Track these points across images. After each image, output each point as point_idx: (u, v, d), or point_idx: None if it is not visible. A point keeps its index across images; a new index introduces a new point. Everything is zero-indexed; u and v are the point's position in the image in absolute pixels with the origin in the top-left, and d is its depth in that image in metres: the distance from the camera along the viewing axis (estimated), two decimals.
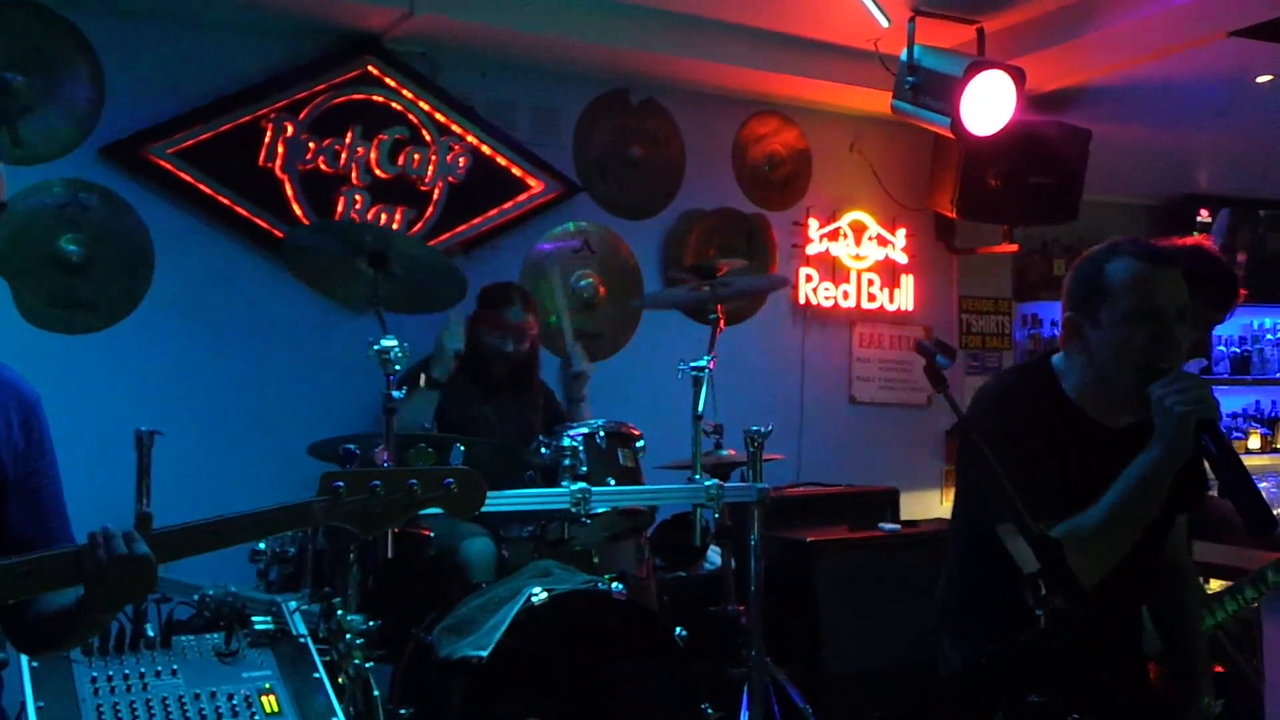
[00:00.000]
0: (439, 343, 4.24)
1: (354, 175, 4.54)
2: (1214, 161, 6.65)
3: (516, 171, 4.84)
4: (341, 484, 1.87)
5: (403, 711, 3.17)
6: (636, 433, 3.74)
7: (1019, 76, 4.56)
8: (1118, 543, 2.22)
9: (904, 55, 4.64)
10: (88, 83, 4.15)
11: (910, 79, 4.61)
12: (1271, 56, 4.71)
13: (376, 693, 2.96)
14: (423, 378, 4.14)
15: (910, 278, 5.75)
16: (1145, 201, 7.18)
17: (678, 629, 3.37)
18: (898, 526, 4.80)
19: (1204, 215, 7.07)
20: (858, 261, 5.63)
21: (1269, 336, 7.24)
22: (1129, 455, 2.22)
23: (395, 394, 3.25)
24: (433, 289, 3.72)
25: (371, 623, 3.09)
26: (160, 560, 1.74)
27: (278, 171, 4.42)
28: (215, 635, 2.81)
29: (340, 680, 2.88)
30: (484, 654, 3.07)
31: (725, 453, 4.05)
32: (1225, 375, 7.01)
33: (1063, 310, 2.44)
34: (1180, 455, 2.18)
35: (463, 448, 3.84)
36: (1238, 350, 7.16)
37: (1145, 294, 2.27)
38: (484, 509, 3.46)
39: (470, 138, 4.74)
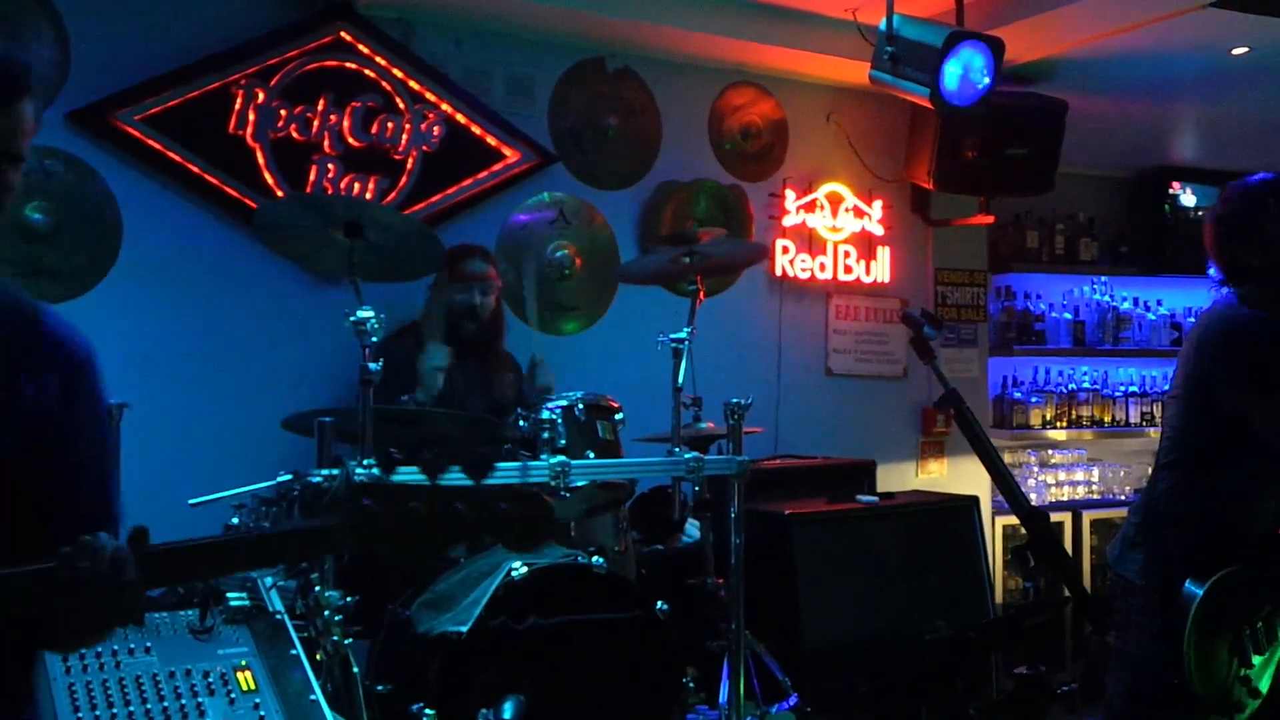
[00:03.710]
0: (431, 306, 4.28)
1: (326, 144, 4.46)
2: (1189, 134, 6.67)
3: (491, 141, 4.78)
4: (371, 502, 1.53)
5: (380, 688, 3.13)
6: (616, 405, 3.71)
7: (998, 47, 4.53)
8: None
9: (883, 25, 4.59)
10: (52, 46, 4.04)
11: (889, 49, 4.55)
12: (1249, 28, 4.70)
13: (356, 669, 2.92)
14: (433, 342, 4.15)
15: (886, 249, 5.73)
16: (1120, 174, 7.21)
17: (659, 603, 3.34)
18: (875, 498, 4.80)
19: (1175, 188, 7.10)
20: (834, 233, 5.60)
21: None
22: None
23: (372, 365, 3.19)
24: (410, 256, 3.67)
25: (349, 598, 3.05)
26: (145, 586, 1.51)
27: (248, 139, 4.33)
28: (189, 612, 2.76)
29: (319, 657, 2.84)
30: (464, 629, 3.04)
31: (704, 425, 4.03)
32: None
33: (1221, 256, 3.04)
34: None
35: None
36: None
37: None
38: (459, 482, 3.49)
39: (444, 106, 4.67)
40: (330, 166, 4.46)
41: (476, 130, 4.74)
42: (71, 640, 1.66)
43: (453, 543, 1.55)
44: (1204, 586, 2.88)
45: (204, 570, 1.56)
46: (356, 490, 1.53)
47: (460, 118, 4.71)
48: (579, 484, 3.44)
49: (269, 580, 2.88)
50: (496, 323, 4.42)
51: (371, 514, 1.51)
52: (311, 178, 4.43)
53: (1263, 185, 3.04)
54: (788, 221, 5.49)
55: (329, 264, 3.66)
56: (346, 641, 2.95)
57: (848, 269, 5.64)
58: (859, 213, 5.64)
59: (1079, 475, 6.71)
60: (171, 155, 4.21)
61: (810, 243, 5.56)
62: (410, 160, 4.61)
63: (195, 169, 4.25)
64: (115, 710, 2.51)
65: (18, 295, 1.69)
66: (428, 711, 2.99)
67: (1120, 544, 3.15)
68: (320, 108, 4.44)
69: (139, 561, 1.48)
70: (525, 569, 3.17)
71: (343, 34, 4.47)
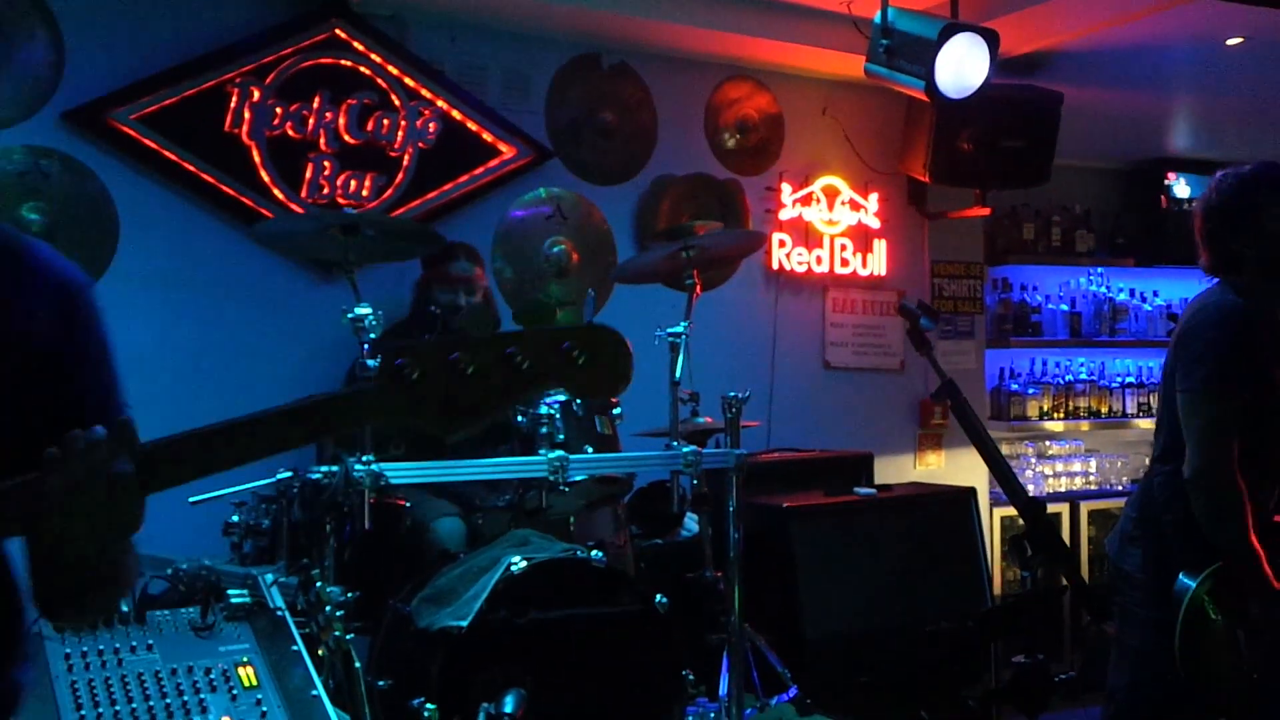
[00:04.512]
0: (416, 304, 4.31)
1: (322, 141, 4.47)
2: (1184, 125, 6.67)
3: (487, 137, 4.78)
4: (404, 360, 1.27)
5: (382, 683, 3.14)
6: (614, 400, 3.71)
7: (993, 39, 4.53)
8: None
9: (877, 18, 4.60)
10: (46, 46, 4.05)
11: (884, 42, 4.56)
12: (1243, 18, 4.71)
13: (358, 664, 2.93)
14: None
15: (883, 242, 5.74)
16: (1115, 165, 7.22)
17: (658, 596, 3.35)
18: (873, 491, 4.81)
19: (1171, 179, 7.11)
20: (830, 226, 5.61)
21: None
22: None
23: (369, 363, 3.20)
24: (407, 246, 3.70)
25: (350, 594, 3.06)
26: (147, 487, 1.31)
27: (244, 138, 4.34)
28: (190, 609, 2.77)
29: (320, 652, 2.85)
30: (464, 624, 3.05)
31: (702, 419, 4.04)
32: None
33: (1213, 246, 2.99)
34: None
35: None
36: None
37: None
38: (459, 478, 3.51)
39: (440, 102, 4.67)
40: (326, 164, 4.47)
41: (472, 126, 4.75)
42: (66, 574, 1.42)
43: (513, 398, 1.30)
44: (1196, 579, 2.89)
45: (213, 460, 1.31)
46: (391, 353, 1.28)
47: (456, 114, 4.71)
48: (577, 479, 3.46)
49: (270, 577, 2.88)
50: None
51: (406, 374, 1.26)
52: (308, 175, 4.44)
53: (1256, 175, 2.99)
54: (784, 215, 5.49)
55: (326, 257, 3.68)
56: (348, 637, 2.96)
57: (844, 262, 5.64)
58: (855, 206, 5.64)
59: (1076, 466, 6.72)
60: (167, 154, 4.22)
61: (807, 236, 5.56)
62: (406, 157, 4.62)
63: (191, 168, 4.26)
64: (118, 707, 2.52)
65: (3, 230, 1.60)
66: (429, 706, 3.00)
67: (1119, 538, 3.15)
68: (316, 105, 4.44)
69: (133, 456, 1.29)
70: (525, 563, 3.18)
71: (338, 31, 4.48)
